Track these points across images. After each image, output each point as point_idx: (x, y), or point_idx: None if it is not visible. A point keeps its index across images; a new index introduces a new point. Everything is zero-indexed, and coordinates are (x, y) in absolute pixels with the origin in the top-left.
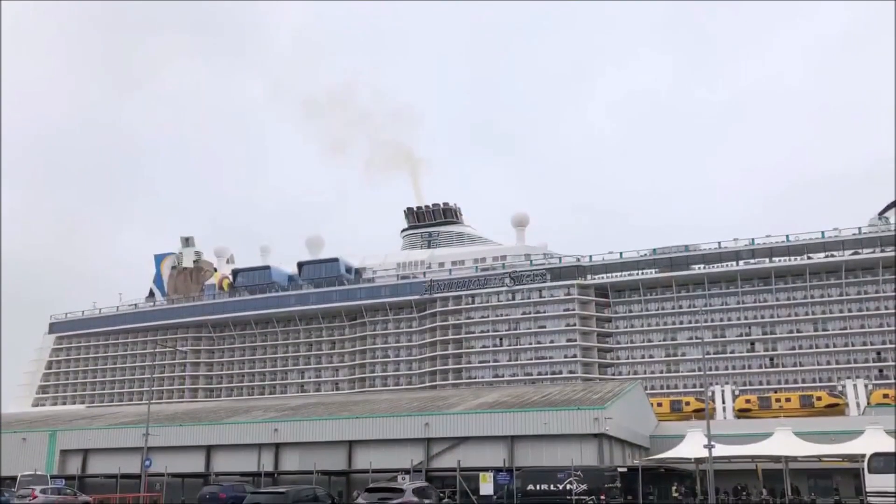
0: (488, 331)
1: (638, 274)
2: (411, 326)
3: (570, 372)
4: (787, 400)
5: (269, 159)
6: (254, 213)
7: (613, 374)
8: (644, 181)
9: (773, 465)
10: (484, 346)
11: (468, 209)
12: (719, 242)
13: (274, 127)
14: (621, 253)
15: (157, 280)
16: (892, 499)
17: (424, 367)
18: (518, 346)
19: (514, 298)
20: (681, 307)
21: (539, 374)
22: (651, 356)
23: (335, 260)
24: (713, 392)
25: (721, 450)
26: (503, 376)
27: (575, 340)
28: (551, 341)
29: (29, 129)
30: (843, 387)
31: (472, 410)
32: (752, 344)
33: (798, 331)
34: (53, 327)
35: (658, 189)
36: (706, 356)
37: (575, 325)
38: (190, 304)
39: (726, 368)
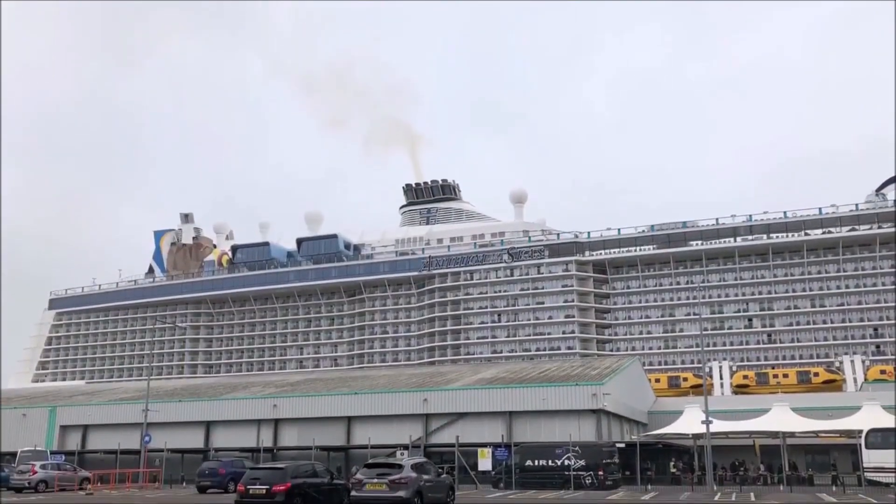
0: (487, 307)
1: (636, 250)
2: (410, 302)
3: (569, 348)
4: (785, 376)
5: (269, 136)
6: (253, 190)
7: (611, 350)
8: (642, 158)
9: (770, 440)
10: (482, 323)
11: (467, 186)
12: (717, 219)
13: (273, 103)
14: (619, 229)
15: (157, 256)
16: (890, 474)
17: (423, 343)
18: (516, 323)
19: (512, 275)
20: (679, 283)
21: (537, 350)
22: (649, 332)
23: (334, 236)
24: (711, 368)
25: (719, 425)
26: (501, 352)
27: (573, 316)
28: (549, 317)
29: (29, 106)
30: (841, 363)
31: (471, 386)
32: (750, 320)
33: (795, 307)
34: (53, 303)
35: (656, 166)
36: (704, 332)
37: (573, 301)
38: (189, 280)
39: (724, 344)
